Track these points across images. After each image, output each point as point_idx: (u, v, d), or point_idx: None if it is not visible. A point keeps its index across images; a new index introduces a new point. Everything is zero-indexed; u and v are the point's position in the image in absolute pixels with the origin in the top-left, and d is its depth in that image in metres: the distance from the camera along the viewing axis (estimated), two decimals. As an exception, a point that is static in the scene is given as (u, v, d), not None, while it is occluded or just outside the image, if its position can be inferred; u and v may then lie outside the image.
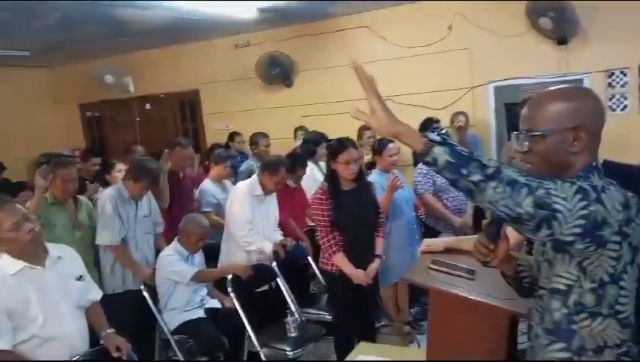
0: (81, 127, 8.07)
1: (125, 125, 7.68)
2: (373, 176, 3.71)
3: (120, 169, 4.46)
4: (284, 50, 6.13)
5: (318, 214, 3.10)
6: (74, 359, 2.31)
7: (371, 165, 4.30)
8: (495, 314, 1.59)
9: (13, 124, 7.05)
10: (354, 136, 5.04)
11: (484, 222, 1.36)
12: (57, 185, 3.37)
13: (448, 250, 2.05)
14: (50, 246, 2.44)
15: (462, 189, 1.19)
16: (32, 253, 2.32)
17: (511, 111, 5.14)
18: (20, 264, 2.28)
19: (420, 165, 4.02)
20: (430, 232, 4.01)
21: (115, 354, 2.44)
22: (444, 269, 1.77)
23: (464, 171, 1.16)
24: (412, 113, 5.24)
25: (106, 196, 3.54)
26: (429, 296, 1.76)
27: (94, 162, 5.26)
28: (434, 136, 1.22)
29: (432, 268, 1.79)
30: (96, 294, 2.63)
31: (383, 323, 3.89)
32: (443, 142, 1.19)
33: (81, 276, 2.52)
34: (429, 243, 2.15)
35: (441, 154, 1.18)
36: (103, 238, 3.45)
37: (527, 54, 5.04)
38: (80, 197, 3.69)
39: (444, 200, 4.11)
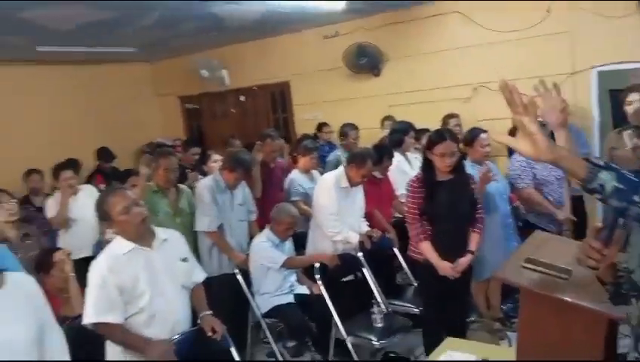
0: (180, 118, 8.54)
1: (221, 117, 8.03)
2: (464, 168, 3.60)
3: (216, 159, 4.70)
4: (373, 38, 6.09)
5: (409, 201, 3.11)
6: (174, 337, 2.47)
7: (462, 156, 4.18)
8: (593, 318, 1.51)
9: (119, 116, 7.62)
10: (439, 125, 4.93)
11: (595, 226, 1.28)
12: (160, 174, 3.63)
13: (543, 246, 1.96)
14: (157, 229, 2.61)
15: (633, 217, 1.10)
16: (141, 235, 2.49)
17: (616, 98, 4.76)
18: (130, 245, 2.46)
19: (516, 156, 3.81)
20: (527, 227, 3.82)
21: (211, 335, 2.58)
22: (539, 268, 1.70)
23: (636, 198, 1.07)
24: (507, 101, 5.03)
25: (203, 185, 3.76)
26: (520, 296, 1.71)
27: (194, 152, 5.59)
28: (597, 160, 1.14)
29: (525, 267, 1.72)
30: (200, 276, 2.76)
31: (473, 318, 3.81)
32: (608, 167, 1.11)
33: (185, 258, 2.67)
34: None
35: (608, 180, 1.10)
36: (201, 224, 3.67)
37: (635, 37, 4.62)
38: (181, 185, 3.94)
39: (544, 194, 3.85)
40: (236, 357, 2.68)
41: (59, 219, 4.13)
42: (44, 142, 6.53)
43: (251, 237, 3.87)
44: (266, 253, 3.54)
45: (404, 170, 4.34)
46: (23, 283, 1.92)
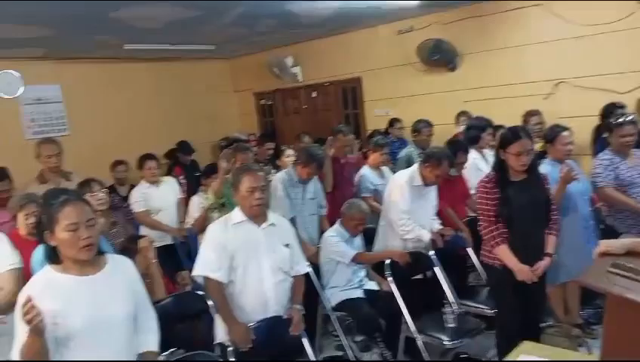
0: (255, 114, 8.76)
1: (293, 112, 8.16)
2: (545, 167, 3.42)
3: (289, 154, 4.81)
4: (448, 33, 5.97)
5: (483, 203, 2.98)
6: (255, 322, 2.60)
7: (542, 154, 4.02)
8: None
9: (198, 110, 7.94)
10: (518, 122, 4.76)
11: None
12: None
13: (630, 253, 1.86)
14: (270, 214, 2.81)
15: None
16: (254, 215, 2.70)
17: None
18: (242, 218, 2.69)
19: (601, 155, 3.63)
20: (608, 231, 3.60)
21: (292, 331, 2.70)
22: (627, 274, 1.62)
23: None
24: (593, 97, 4.77)
25: (277, 179, 3.86)
26: (606, 302, 1.63)
27: (269, 147, 5.76)
28: None
29: (611, 272, 1.65)
30: (302, 268, 2.91)
31: (549, 323, 3.66)
32: None
33: (288, 244, 2.81)
34: (607, 244, 1.97)
35: None
36: (274, 217, 3.77)
37: None
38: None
39: (629, 196, 3.62)
40: (308, 348, 2.74)
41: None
42: (129, 134, 6.94)
43: (322, 231, 3.94)
44: (336, 247, 3.58)
45: (479, 167, 4.22)
46: (123, 265, 2.11)
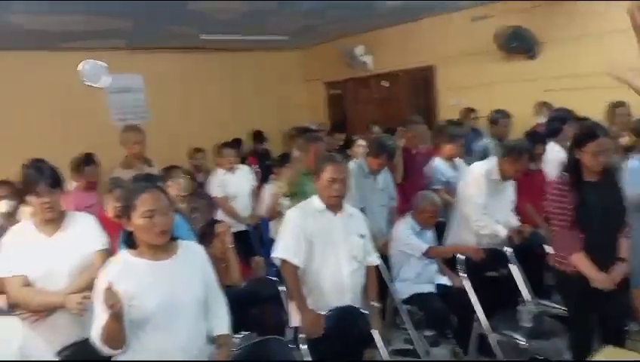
0: (325, 103, 8.79)
1: (364, 102, 8.10)
2: (634, 163, 3.22)
3: (360, 144, 4.79)
4: (526, 19, 5.68)
5: (556, 207, 2.77)
6: (323, 312, 2.63)
7: (630, 148, 3.76)
8: None
9: (269, 100, 8.09)
10: (601, 114, 4.47)
11: None
12: (310, 158, 3.78)
13: None
14: (347, 205, 2.85)
15: None
16: (332, 205, 2.73)
17: None
18: (320, 206, 2.74)
19: None
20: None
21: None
22: None
23: None
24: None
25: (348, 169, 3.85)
26: None
27: (339, 138, 5.77)
28: None
29: None
30: (374, 259, 2.93)
31: (634, 328, 3.45)
32: None
33: (363, 235, 2.84)
34: None
35: None
36: (344, 207, 3.77)
37: None
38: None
39: None
40: (378, 340, 2.74)
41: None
42: (204, 123, 7.18)
43: (391, 223, 3.90)
44: (407, 240, 3.54)
45: (561, 161, 4.01)
46: (194, 251, 2.18)
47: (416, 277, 3.57)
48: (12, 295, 2.36)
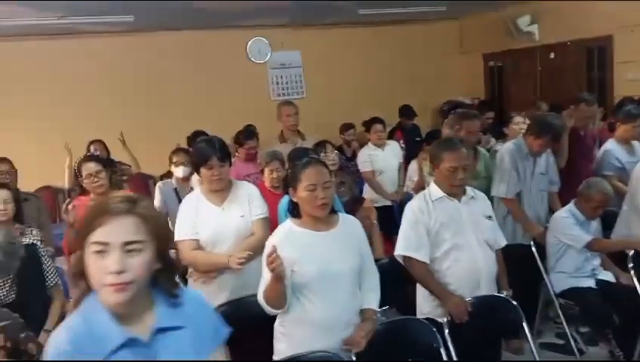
0: (482, 77, 8.35)
1: (525, 76, 7.51)
2: None
3: (517, 122, 4.48)
4: None
5: None
6: (470, 298, 2.52)
7: None
8: None
9: (422, 72, 7.88)
10: None
11: None
12: (463, 136, 3.65)
13: None
14: (468, 188, 2.69)
15: None
16: (453, 192, 2.61)
17: None
18: (440, 193, 2.61)
19: None
20: None
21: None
22: None
23: None
24: None
25: (505, 150, 3.64)
26: None
27: (488, 116, 5.47)
28: None
29: None
30: (502, 241, 2.77)
31: None
32: None
33: (490, 216, 2.72)
34: None
35: None
36: (499, 190, 3.58)
37: None
38: (479, 147, 3.90)
39: None
40: (527, 332, 2.60)
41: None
42: (357, 98, 7.29)
43: (551, 210, 3.62)
44: (569, 230, 3.26)
45: None
46: (352, 225, 2.30)
47: (575, 271, 3.29)
48: (184, 257, 2.66)
